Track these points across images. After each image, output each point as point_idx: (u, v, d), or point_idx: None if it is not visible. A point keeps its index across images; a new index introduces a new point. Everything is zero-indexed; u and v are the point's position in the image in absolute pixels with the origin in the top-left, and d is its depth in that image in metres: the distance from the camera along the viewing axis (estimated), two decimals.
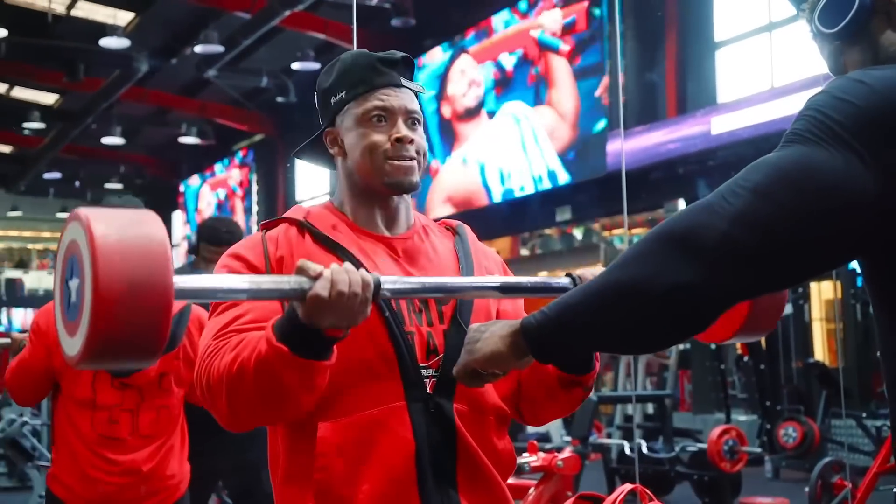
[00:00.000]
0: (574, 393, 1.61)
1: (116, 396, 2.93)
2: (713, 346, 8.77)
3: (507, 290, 1.54)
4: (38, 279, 22.14)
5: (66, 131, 18.63)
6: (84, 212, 1.19)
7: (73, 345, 1.19)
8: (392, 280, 1.41)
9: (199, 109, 17.97)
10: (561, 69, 12.07)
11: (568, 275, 1.60)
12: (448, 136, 14.05)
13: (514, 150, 12.81)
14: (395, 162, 1.60)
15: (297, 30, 13.62)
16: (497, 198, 13.05)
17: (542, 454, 4.11)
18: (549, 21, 12.24)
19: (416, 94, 1.67)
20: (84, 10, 15.13)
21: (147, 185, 23.51)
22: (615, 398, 8.65)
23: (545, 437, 9.74)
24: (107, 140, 19.09)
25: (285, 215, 1.65)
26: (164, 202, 22.60)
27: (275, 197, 19.30)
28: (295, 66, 15.04)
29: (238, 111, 17.96)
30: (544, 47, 12.32)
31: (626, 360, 9.42)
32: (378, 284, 1.37)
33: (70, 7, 15.08)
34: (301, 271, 1.34)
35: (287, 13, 12.43)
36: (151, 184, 23.60)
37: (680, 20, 11.13)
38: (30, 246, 26.89)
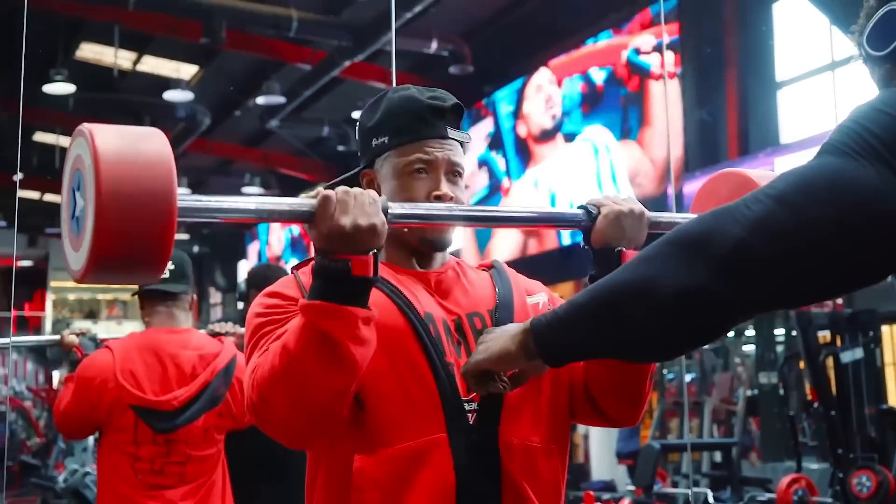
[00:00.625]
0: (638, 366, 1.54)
1: (161, 451, 2.93)
2: (781, 392, 8.52)
3: (512, 220, 1.58)
4: (107, 329, 22.56)
5: None
6: (88, 126, 1.19)
7: (77, 259, 1.19)
8: (399, 206, 1.44)
9: (262, 160, 18.24)
10: (657, 101, 11.52)
11: (582, 206, 1.57)
12: (524, 153, 13.69)
13: (589, 184, 12.53)
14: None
15: (356, 80, 13.78)
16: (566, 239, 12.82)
17: None
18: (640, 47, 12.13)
19: (462, 143, 1.62)
20: (149, 65, 15.52)
21: (213, 234, 23.88)
22: (679, 446, 8.44)
23: (610, 486, 9.54)
24: None
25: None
26: (231, 252, 22.93)
27: None
28: (355, 115, 15.19)
29: (301, 160, 18.20)
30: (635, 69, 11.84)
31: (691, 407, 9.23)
32: (386, 208, 1.39)
33: (136, 62, 15.49)
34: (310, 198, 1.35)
35: (347, 63, 12.59)
36: (217, 233, 23.97)
37: (740, 59, 11.01)
38: (99, 296, 27.44)
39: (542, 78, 13.35)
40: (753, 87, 10.92)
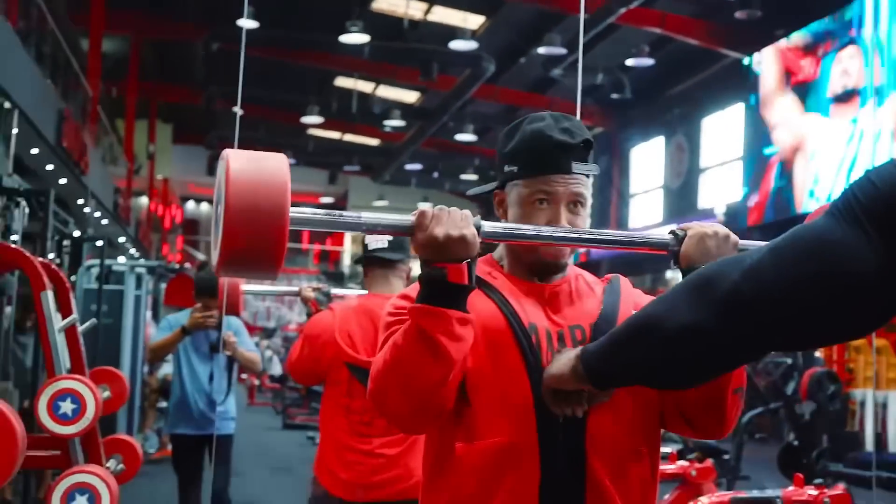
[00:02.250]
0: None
1: (370, 405, 3.19)
2: None
3: (600, 241, 1.66)
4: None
5: (424, 128, 19.96)
6: (227, 152, 1.43)
7: (214, 257, 1.44)
8: (491, 224, 1.58)
9: (547, 106, 18.44)
10: None
11: (672, 231, 1.65)
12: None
13: None
14: (550, 249, 1.69)
15: (633, 26, 13.57)
16: None
17: (809, 489, 3.91)
18: None
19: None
20: (438, 16, 16.10)
21: None
22: None
23: None
24: (460, 136, 20.23)
25: None
26: None
27: (609, 189, 19.39)
28: (629, 62, 15.03)
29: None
30: None
31: None
32: (479, 225, 1.54)
33: (427, 12, 16.12)
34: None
35: (622, 10, 12.44)
36: None
37: None
38: None
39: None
40: None
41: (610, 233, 1.70)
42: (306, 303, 3.78)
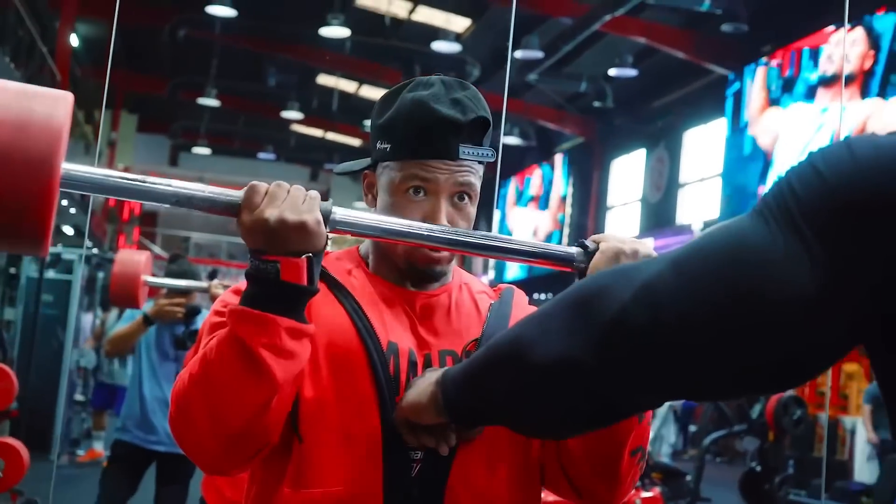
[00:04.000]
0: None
1: None
2: None
3: (488, 248, 1.30)
4: None
5: None
6: None
7: None
8: (344, 212, 1.25)
9: (523, 110, 18.25)
10: None
11: (580, 243, 1.31)
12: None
13: None
14: (424, 250, 1.35)
15: (618, 34, 13.38)
16: None
17: None
18: None
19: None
20: (422, 15, 15.84)
21: None
22: None
23: (871, 491, 8.80)
24: None
25: None
26: (484, 199, 23.23)
27: (587, 201, 19.18)
28: (612, 72, 14.83)
29: (558, 113, 18.06)
30: None
31: None
32: (328, 211, 1.22)
33: (411, 11, 15.85)
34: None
35: (608, 17, 12.24)
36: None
37: None
38: None
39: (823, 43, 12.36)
40: None
41: (502, 238, 1.33)
42: (214, 300, 3.48)
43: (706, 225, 14.71)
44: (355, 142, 23.96)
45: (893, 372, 0.90)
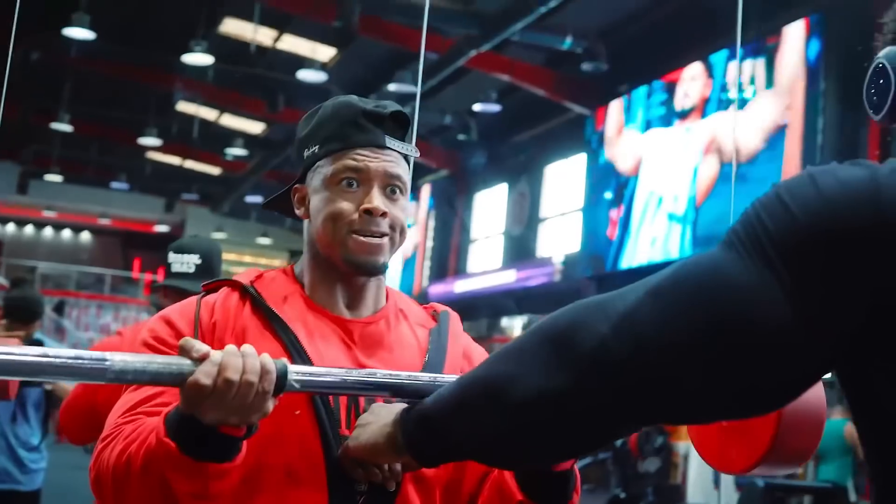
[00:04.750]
0: None
1: None
2: None
3: (414, 393, 1.23)
4: None
5: (267, 159, 19.46)
6: None
7: None
8: (303, 371, 1.17)
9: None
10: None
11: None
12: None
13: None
14: (360, 238, 1.34)
15: (482, 70, 13.63)
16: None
17: None
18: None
19: (406, 157, 1.41)
20: (288, 44, 15.74)
21: None
22: (784, 487, 7.93)
23: None
24: None
25: (232, 277, 1.40)
26: None
27: (450, 233, 19.39)
28: (476, 107, 15.09)
29: (423, 146, 18.21)
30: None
31: None
32: (284, 373, 1.13)
33: (276, 40, 15.73)
34: (184, 351, 1.11)
35: (473, 53, 12.44)
36: None
37: None
38: (232, 269, 28.17)
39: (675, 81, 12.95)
40: None
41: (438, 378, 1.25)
42: None
43: (567, 258, 15.06)
44: (215, 170, 23.53)
45: (867, 392, 0.94)
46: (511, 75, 13.86)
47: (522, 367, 1.01)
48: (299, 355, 1.29)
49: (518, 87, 14.38)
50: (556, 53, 13.53)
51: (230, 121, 20.07)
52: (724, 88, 12.10)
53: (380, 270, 1.38)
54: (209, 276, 2.88)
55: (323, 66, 15.13)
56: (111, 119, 19.19)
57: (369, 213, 1.33)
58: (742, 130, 11.36)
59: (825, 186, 0.91)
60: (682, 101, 12.87)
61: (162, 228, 27.07)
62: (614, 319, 0.96)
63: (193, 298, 1.39)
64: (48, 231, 27.99)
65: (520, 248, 17.03)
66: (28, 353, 1.05)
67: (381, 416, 1.21)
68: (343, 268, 1.36)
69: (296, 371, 1.15)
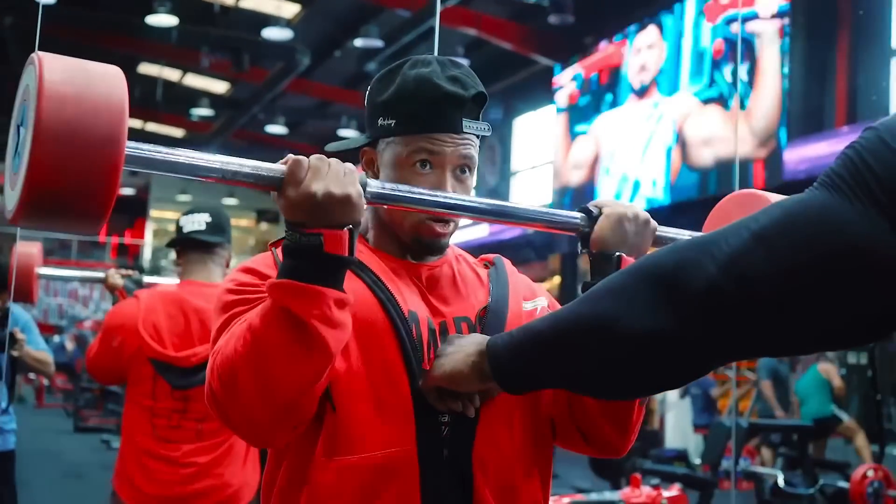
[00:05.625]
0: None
1: (178, 406, 2.87)
2: (869, 374, 8.13)
3: (508, 215, 1.40)
4: None
5: (234, 119, 19.29)
6: (40, 54, 1.08)
7: (12, 198, 1.09)
8: (377, 184, 1.30)
9: (359, 102, 18.22)
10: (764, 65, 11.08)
11: (583, 209, 1.41)
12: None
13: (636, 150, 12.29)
14: (433, 224, 1.41)
15: (451, 26, 13.58)
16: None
17: (646, 489, 3.84)
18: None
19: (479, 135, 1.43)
20: (251, 2, 15.55)
21: None
22: (759, 427, 8.13)
23: (682, 455, 9.33)
24: (271, 129, 19.66)
25: None
26: None
27: None
28: None
29: None
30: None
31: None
32: (364, 183, 1.26)
33: None
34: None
35: (446, 4, 12.39)
36: None
37: (854, 24, 10.42)
38: None
39: (647, 38, 12.96)
40: (866, 53, 10.33)
41: (515, 206, 1.42)
42: (112, 291, 3.38)
43: None
44: (178, 132, 23.29)
45: None
46: (478, 29, 13.82)
47: (627, 306, 1.06)
48: (381, 290, 1.36)
49: (485, 41, 14.34)
50: (523, 7, 13.50)
51: (194, 80, 19.85)
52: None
53: (443, 249, 1.45)
54: (221, 232, 2.96)
55: (288, 23, 15.00)
56: None
57: None
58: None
59: None
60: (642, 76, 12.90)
61: (127, 191, 26.82)
62: (722, 261, 1.00)
63: (267, 253, 1.43)
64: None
65: None
66: (152, 149, 1.16)
67: (463, 347, 1.28)
68: (410, 245, 1.43)
69: (372, 184, 1.28)
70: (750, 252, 1.00)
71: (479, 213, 1.38)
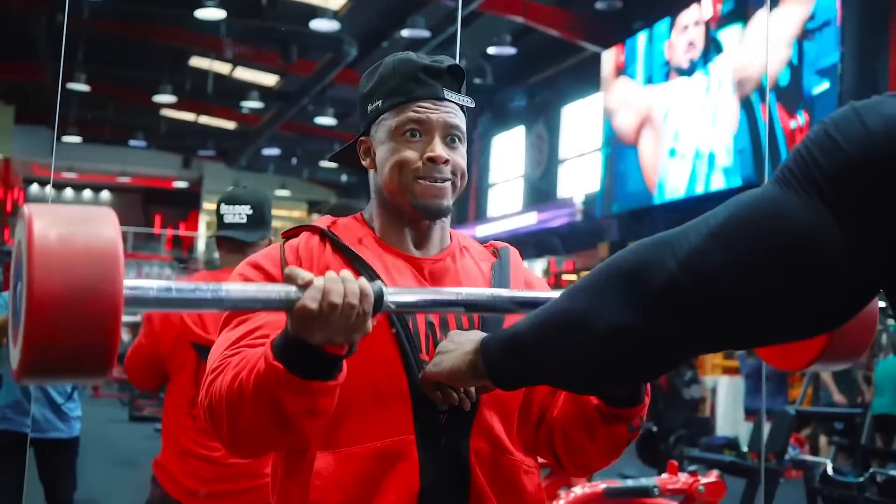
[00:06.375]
0: (616, 430, 1.43)
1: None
2: None
3: (529, 304, 1.37)
4: None
5: (283, 111, 19.44)
6: (28, 208, 1.06)
7: (15, 356, 1.07)
8: (397, 291, 1.29)
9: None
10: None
11: None
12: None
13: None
14: (426, 182, 1.46)
15: (496, 13, 13.56)
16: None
17: (683, 476, 3.80)
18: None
19: (462, 107, 1.51)
20: None
21: None
22: (809, 414, 8.03)
23: (733, 444, 9.23)
24: (320, 120, 19.78)
25: (310, 224, 1.53)
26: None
27: (469, 177, 19.38)
28: (490, 50, 14.99)
29: None
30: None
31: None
32: (380, 296, 1.24)
33: None
34: (289, 279, 1.21)
35: None
36: None
37: None
38: None
39: (690, 18, 12.83)
40: None
41: (537, 294, 1.38)
42: None
43: (587, 198, 15.08)
44: (230, 125, 23.54)
45: None
46: (525, 17, 13.77)
47: (599, 303, 1.12)
48: None
49: (532, 28, 14.29)
50: None
51: (244, 73, 20.03)
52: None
53: (444, 213, 1.49)
54: (261, 225, 2.96)
55: (335, 15, 15.07)
56: (125, 78, 19.17)
57: (432, 160, 1.45)
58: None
59: (871, 123, 0.99)
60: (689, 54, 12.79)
61: (181, 185, 27.20)
62: (682, 258, 1.05)
63: (276, 245, 1.51)
64: (69, 192, 28.17)
65: (540, 191, 17.04)
66: (153, 288, 1.14)
67: (461, 344, 1.32)
68: (410, 213, 1.48)
69: (391, 292, 1.26)
70: (707, 248, 1.04)
71: (497, 305, 1.38)
